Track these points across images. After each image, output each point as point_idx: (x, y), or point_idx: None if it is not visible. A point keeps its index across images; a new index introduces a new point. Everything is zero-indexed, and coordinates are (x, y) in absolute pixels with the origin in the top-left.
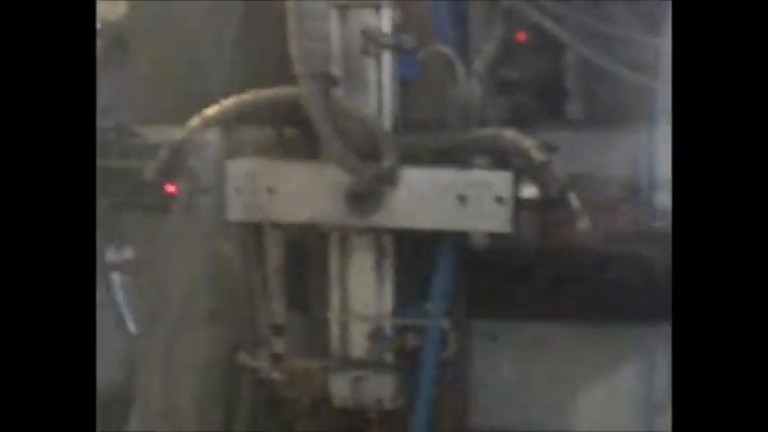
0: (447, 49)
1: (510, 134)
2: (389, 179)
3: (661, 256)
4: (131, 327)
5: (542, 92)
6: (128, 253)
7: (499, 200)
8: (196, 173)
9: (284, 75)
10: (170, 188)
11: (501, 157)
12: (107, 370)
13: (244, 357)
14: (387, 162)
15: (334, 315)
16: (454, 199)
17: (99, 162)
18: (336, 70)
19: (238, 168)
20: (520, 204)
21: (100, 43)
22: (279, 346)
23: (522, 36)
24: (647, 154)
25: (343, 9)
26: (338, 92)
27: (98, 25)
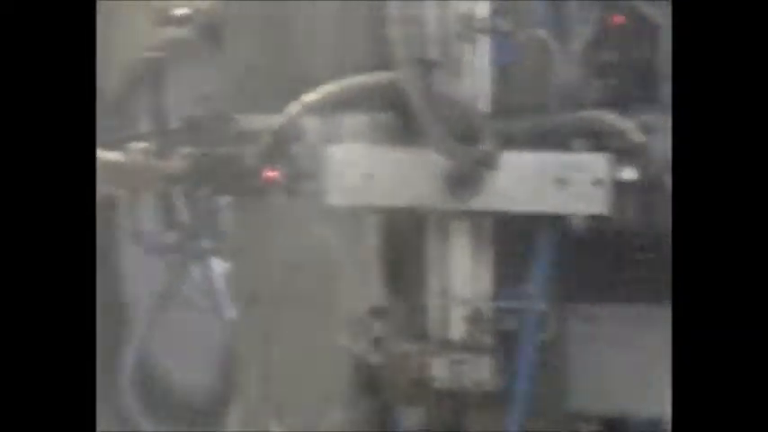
0: (544, 33)
1: (609, 116)
2: (488, 163)
3: None
4: (229, 313)
5: (638, 75)
6: (226, 239)
7: (597, 182)
8: (297, 158)
9: (382, 60)
10: (271, 174)
11: (599, 140)
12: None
13: (344, 340)
14: (485, 146)
15: (432, 299)
16: (552, 182)
17: (199, 149)
18: (434, 55)
19: (337, 154)
20: (618, 186)
21: (191, 30)
22: (379, 329)
23: (618, 19)
24: None
25: None
26: (436, 76)
27: (188, 11)
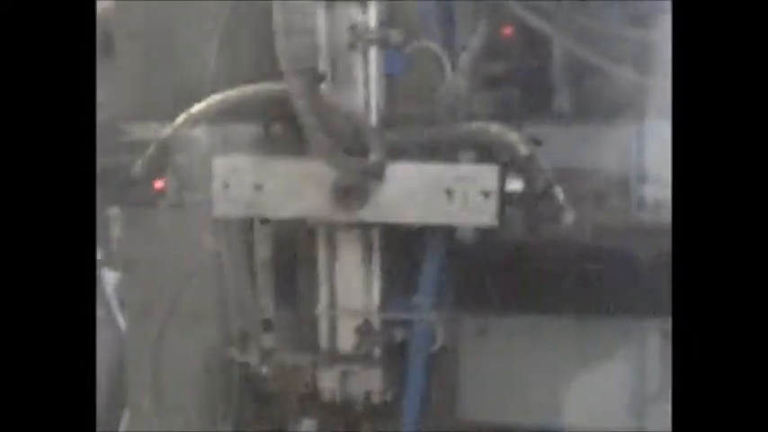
0: (434, 45)
1: (495, 128)
2: (376, 174)
3: (648, 250)
4: (121, 323)
5: (530, 87)
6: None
7: (485, 194)
8: (183, 169)
9: (270, 71)
10: (158, 184)
11: (487, 152)
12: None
13: (233, 352)
14: (373, 157)
15: (322, 310)
16: (441, 193)
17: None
18: (323, 66)
19: (225, 164)
20: (506, 198)
21: None
22: (268, 341)
23: (508, 31)
24: (635, 148)
25: (330, 4)
26: (324, 87)
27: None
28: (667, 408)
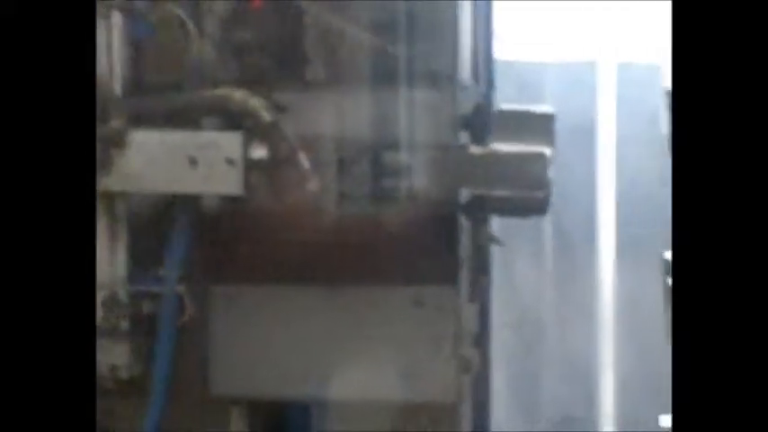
0: (179, 10)
1: (238, 95)
2: (117, 141)
3: (394, 217)
4: None
5: (282, 54)
6: None
7: (230, 162)
8: None
9: None
10: None
11: (232, 119)
12: None
13: None
14: (114, 124)
15: None
16: (185, 161)
17: None
18: None
19: None
20: (250, 166)
21: None
22: None
23: (257, 3)
24: (382, 115)
25: None
26: None
27: None
28: (433, 377)
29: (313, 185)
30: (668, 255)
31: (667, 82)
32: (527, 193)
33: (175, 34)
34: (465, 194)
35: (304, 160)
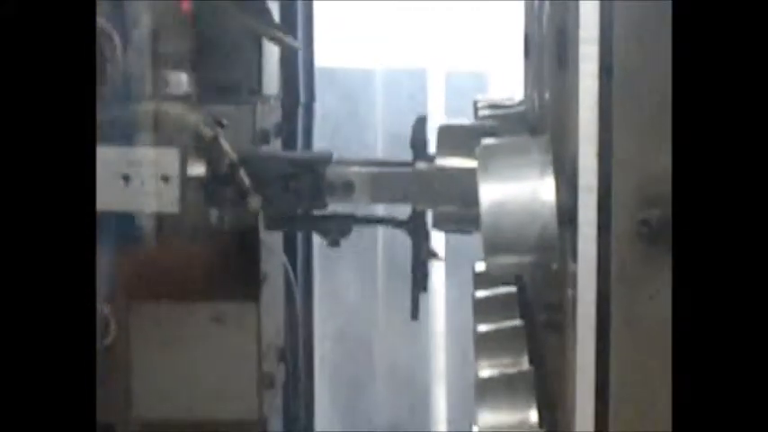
0: (103, 21)
1: (176, 109)
2: None
3: (334, 231)
4: None
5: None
6: None
7: (165, 178)
8: None
9: None
10: None
11: (167, 134)
12: None
13: None
14: None
15: None
16: (118, 178)
17: None
18: None
19: None
20: (187, 183)
21: None
22: None
23: (187, 6)
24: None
25: None
26: None
27: None
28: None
29: (254, 202)
30: (479, 266)
31: (493, 90)
32: (472, 209)
33: (101, 47)
34: (405, 211)
35: (245, 177)
